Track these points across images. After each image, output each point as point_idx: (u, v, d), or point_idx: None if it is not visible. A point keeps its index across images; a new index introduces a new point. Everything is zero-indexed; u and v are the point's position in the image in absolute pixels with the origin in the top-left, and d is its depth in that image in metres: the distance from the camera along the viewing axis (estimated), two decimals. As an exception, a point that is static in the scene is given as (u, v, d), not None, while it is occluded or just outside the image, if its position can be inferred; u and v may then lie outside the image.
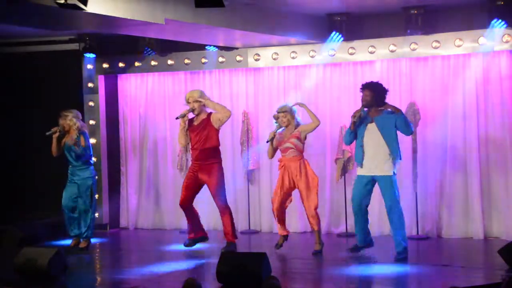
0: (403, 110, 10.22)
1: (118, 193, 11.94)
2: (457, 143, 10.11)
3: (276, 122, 9.29)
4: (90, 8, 7.21)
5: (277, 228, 9.57)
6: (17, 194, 12.23)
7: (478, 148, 10.00)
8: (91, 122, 11.71)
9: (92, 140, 11.62)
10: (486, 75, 9.98)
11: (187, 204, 9.42)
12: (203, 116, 9.35)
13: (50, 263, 7.78)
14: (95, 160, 11.65)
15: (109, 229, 11.70)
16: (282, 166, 9.22)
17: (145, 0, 8.23)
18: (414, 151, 10.18)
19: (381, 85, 8.79)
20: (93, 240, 10.28)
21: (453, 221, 10.15)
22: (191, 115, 9.44)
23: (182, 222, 11.47)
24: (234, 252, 8.68)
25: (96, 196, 11.61)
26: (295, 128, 9.16)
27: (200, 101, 9.27)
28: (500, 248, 7.97)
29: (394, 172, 8.59)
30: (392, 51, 10.17)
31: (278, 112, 9.22)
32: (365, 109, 8.71)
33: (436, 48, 9.93)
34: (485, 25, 9.49)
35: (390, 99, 10.34)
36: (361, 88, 8.77)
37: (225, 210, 9.35)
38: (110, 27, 9.21)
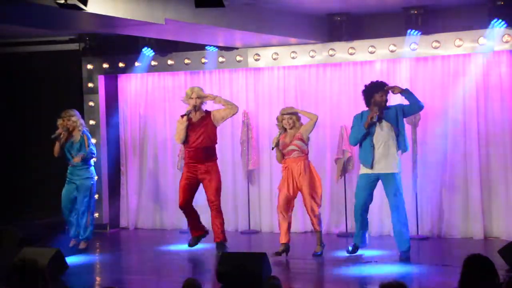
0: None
1: (118, 193, 11.93)
2: (457, 143, 10.11)
3: (278, 125, 9.13)
4: (90, 8, 7.21)
5: (281, 233, 9.26)
6: (17, 194, 12.22)
7: (478, 148, 10.00)
8: (91, 122, 11.70)
9: (92, 140, 11.62)
10: (486, 75, 9.97)
11: (188, 206, 9.36)
12: (200, 114, 9.27)
13: (50, 263, 7.78)
14: (95, 160, 11.66)
15: (109, 229, 11.70)
16: (286, 168, 9.04)
17: (145, 0, 8.23)
18: (414, 151, 10.18)
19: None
20: (92, 241, 10.27)
21: (453, 221, 10.15)
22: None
23: (182, 222, 11.48)
24: (234, 252, 8.66)
25: (96, 196, 11.62)
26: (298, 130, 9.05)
27: (202, 98, 9.21)
28: (500, 248, 7.96)
29: (399, 170, 8.67)
30: (392, 51, 10.17)
31: (283, 114, 9.06)
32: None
33: (436, 48, 9.93)
34: (485, 25, 9.49)
35: (390, 99, 10.39)
36: (379, 87, 8.69)
37: (219, 213, 9.30)
38: (110, 27, 9.21)
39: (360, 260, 8.55)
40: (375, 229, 10.37)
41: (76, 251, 9.69)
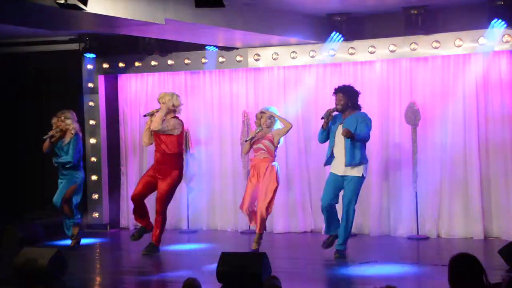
0: (403, 110, 10.25)
1: (118, 193, 11.93)
2: (457, 143, 10.11)
3: (256, 122, 9.31)
4: (90, 8, 7.21)
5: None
6: (17, 194, 12.22)
7: (478, 148, 10.00)
8: (91, 122, 11.71)
9: (92, 140, 11.63)
10: (486, 75, 9.98)
11: (140, 200, 9.41)
12: (169, 118, 9.26)
13: (50, 263, 7.78)
14: (95, 160, 11.66)
15: (109, 229, 11.70)
16: (253, 166, 9.24)
17: (145, 0, 8.23)
18: (414, 151, 10.18)
19: (353, 88, 8.85)
20: (92, 240, 10.28)
21: (453, 221, 10.15)
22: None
23: (182, 222, 11.50)
24: (234, 252, 8.67)
25: (96, 196, 11.65)
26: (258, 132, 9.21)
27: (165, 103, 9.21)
28: (500, 248, 7.97)
29: (363, 174, 8.64)
30: (392, 51, 10.17)
31: (262, 112, 9.23)
32: (336, 112, 8.78)
33: (436, 48, 9.93)
34: (485, 25, 9.49)
35: (390, 99, 10.40)
36: (334, 92, 8.83)
37: (160, 217, 9.33)
38: (110, 27, 9.21)
39: (360, 260, 8.55)
40: (375, 229, 10.37)
41: (73, 250, 9.65)
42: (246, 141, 9.28)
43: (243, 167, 11.17)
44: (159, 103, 9.33)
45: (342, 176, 8.68)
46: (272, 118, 9.18)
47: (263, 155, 9.18)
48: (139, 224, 9.61)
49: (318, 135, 8.94)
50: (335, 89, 8.85)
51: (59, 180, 9.90)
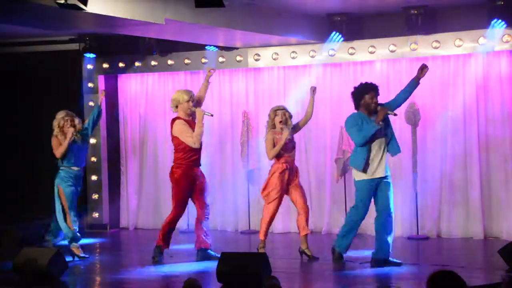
0: (403, 110, 10.25)
1: (118, 193, 11.94)
2: (457, 143, 10.12)
3: (269, 122, 8.82)
4: (90, 8, 7.22)
5: (262, 232, 8.89)
6: (17, 194, 12.23)
7: (478, 148, 10.01)
8: (91, 122, 11.70)
9: (92, 140, 11.61)
10: (486, 75, 9.99)
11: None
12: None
13: (50, 263, 7.78)
14: (95, 160, 11.66)
15: (109, 229, 11.71)
16: (286, 168, 8.68)
17: (145, 0, 8.24)
18: (414, 151, 10.19)
19: None
20: (92, 240, 10.28)
21: (453, 221, 10.16)
22: (174, 114, 8.91)
23: (182, 222, 11.48)
24: (234, 252, 8.67)
25: (96, 196, 11.66)
26: (291, 128, 8.72)
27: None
28: (500, 248, 7.97)
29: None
30: (392, 51, 10.18)
31: (276, 110, 8.74)
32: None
33: (436, 48, 9.94)
34: (485, 25, 9.50)
35: (390, 99, 10.38)
36: (372, 90, 8.25)
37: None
38: (110, 27, 9.22)
39: (359, 260, 8.55)
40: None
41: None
42: (287, 139, 8.51)
43: (243, 167, 11.18)
44: (191, 102, 8.62)
45: (381, 178, 8.16)
46: (287, 114, 8.70)
47: (295, 153, 8.80)
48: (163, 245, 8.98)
49: (365, 135, 8.09)
50: (369, 86, 8.27)
51: (73, 188, 9.27)
